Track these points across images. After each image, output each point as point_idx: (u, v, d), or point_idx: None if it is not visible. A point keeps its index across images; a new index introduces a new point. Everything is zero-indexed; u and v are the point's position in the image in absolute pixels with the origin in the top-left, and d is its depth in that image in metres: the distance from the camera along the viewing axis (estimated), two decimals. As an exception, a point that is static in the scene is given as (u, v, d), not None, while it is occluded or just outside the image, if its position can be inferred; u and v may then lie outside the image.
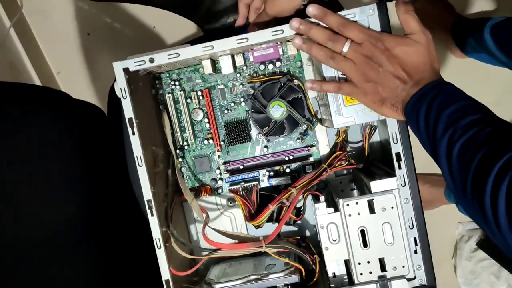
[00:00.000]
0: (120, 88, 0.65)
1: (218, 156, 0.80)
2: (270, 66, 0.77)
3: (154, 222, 0.67)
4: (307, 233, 0.82)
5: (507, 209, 0.43)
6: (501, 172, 0.45)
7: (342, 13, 0.62)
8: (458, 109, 0.52)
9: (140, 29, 1.40)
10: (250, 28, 0.78)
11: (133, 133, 0.66)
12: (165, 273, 0.68)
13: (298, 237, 0.78)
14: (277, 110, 0.75)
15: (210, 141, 0.79)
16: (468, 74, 1.30)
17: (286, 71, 0.77)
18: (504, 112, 1.31)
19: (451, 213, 1.28)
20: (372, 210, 0.65)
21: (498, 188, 0.44)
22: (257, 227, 0.74)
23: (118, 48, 1.42)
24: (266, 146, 0.79)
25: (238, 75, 0.77)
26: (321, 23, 0.63)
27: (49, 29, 1.43)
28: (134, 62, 0.65)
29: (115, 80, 0.67)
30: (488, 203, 0.45)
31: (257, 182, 0.77)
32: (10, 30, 1.31)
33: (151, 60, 0.65)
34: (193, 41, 0.87)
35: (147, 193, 0.67)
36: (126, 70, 0.65)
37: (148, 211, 0.67)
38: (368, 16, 0.62)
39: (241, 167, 0.79)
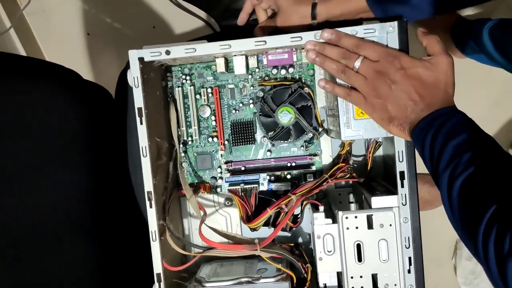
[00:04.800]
0: (133, 77, 0.64)
1: (221, 155, 0.80)
2: (283, 71, 0.77)
3: (152, 214, 0.67)
4: (300, 240, 0.82)
5: (497, 262, 0.45)
6: (489, 225, 0.47)
7: (362, 27, 0.63)
8: (463, 141, 0.53)
9: (140, 29, 1.41)
10: (255, 31, 0.78)
11: (141, 123, 0.66)
12: (158, 267, 0.67)
13: (292, 244, 0.78)
14: (285, 116, 0.75)
15: (215, 139, 0.79)
16: (468, 74, 1.31)
17: (297, 77, 0.77)
18: (504, 112, 1.33)
19: (451, 213, 1.28)
20: (370, 225, 0.65)
21: (487, 240, 0.46)
22: (253, 229, 0.74)
23: (118, 48, 1.42)
24: (269, 150, 0.79)
25: (249, 76, 0.77)
26: None
27: (49, 29, 1.43)
28: (150, 53, 0.65)
29: (127, 66, 0.66)
30: (481, 251, 0.47)
31: (256, 185, 0.77)
32: (10, 30, 1.30)
33: (167, 52, 0.65)
34: (209, 36, 0.87)
35: (148, 184, 0.66)
36: (141, 59, 0.65)
37: (147, 203, 0.67)
38: (387, 33, 0.63)
39: (243, 168, 0.79)
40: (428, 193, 1.24)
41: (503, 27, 0.96)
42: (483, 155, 0.52)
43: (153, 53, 0.65)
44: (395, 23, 0.62)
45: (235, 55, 0.73)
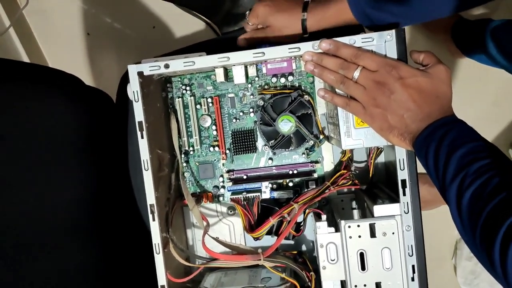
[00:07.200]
0: (133, 91, 0.65)
1: (223, 164, 0.80)
2: (282, 80, 0.77)
3: (155, 227, 0.67)
4: (304, 248, 0.83)
5: None
6: (510, 231, 0.45)
7: (360, 36, 0.63)
8: (468, 152, 0.52)
9: (140, 29, 1.41)
10: (238, 41, 0.77)
11: (142, 137, 0.66)
12: (162, 279, 0.68)
13: (295, 252, 0.79)
14: (286, 125, 0.75)
15: (216, 148, 0.79)
16: (468, 74, 1.31)
17: (297, 85, 0.77)
18: (503, 112, 1.33)
19: (451, 213, 1.29)
20: (373, 234, 0.65)
21: (507, 247, 0.44)
22: (256, 239, 0.74)
23: (118, 48, 1.43)
24: (271, 158, 0.79)
25: (249, 85, 0.78)
26: None
27: (49, 29, 1.43)
28: (149, 67, 0.65)
29: (127, 73, 0.66)
30: (498, 261, 0.45)
31: (259, 194, 0.77)
32: (10, 30, 1.31)
33: (166, 66, 0.65)
34: (210, 41, 0.87)
35: (150, 197, 0.67)
36: (140, 73, 0.65)
37: (150, 216, 0.67)
38: (385, 42, 0.62)
39: (245, 177, 0.79)
40: (428, 193, 1.24)
41: (507, 28, 0.95)
42: (491, 164, 0.51)
43: (152, 67, 0.65)
44: (393, 31, 0.62)
45: (234, 65, 0.73)
